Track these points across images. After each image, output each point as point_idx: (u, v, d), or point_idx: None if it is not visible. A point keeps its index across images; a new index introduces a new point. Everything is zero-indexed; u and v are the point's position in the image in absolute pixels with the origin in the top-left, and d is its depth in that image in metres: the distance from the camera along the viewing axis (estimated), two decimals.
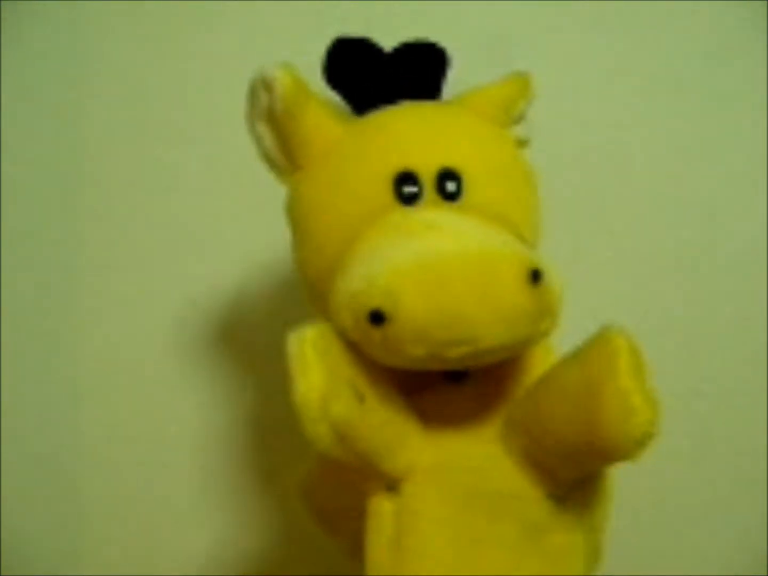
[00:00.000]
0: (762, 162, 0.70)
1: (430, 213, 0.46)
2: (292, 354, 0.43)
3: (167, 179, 0.73)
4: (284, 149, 0.50)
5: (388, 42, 0.53)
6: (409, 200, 0.47)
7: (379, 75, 0.52)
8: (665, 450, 0.66)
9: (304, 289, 0.51)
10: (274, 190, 0.52)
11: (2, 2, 0.70)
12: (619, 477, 0.65)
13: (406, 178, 0.48)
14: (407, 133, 0.50)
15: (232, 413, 0.72)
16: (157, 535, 0.71)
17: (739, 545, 0.69)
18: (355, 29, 0.53)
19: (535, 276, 0.43)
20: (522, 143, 0.55)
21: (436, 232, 0.45)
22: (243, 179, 0.65)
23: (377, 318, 0.42)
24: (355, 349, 0.45)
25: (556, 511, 0.46)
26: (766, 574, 0.65)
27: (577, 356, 0.45)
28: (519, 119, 0.55)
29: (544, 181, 0.53)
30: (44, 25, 0.73)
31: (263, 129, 0.50)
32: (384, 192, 0.48)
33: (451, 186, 0.48)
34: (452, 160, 0.49)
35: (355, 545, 0.49)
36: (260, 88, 0.50)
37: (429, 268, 0.42)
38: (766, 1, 0.68)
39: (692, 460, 0.70)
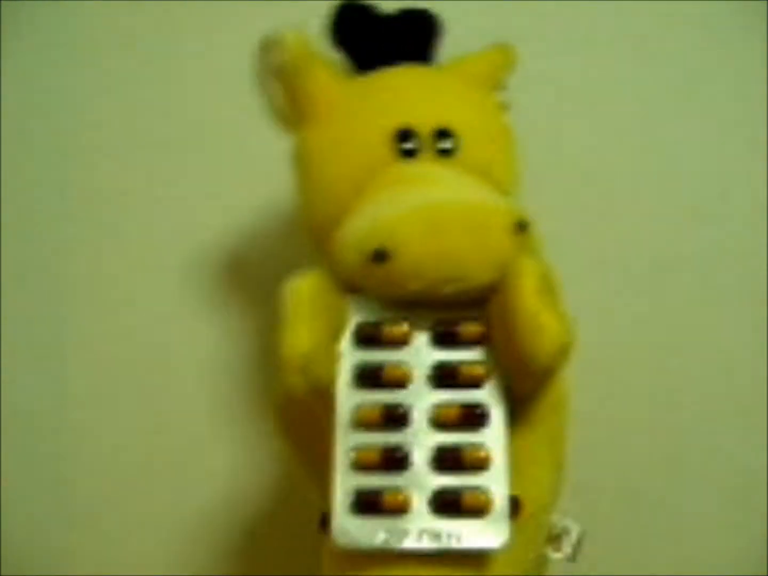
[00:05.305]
0: (762, 163, 0.71)
1: (428, 167, 0.52)
2: (286, 305, 0.48)
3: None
4: (292, 104, 0.55)
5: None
6: (408, 155, 0.53)
7: (380, 37, 0.57)
8: (666, 449, 0.71)
9: (305, 232, 0.55)
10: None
11: (2, 2, 0.71)
12: (620, 477, 0.70)
13: (405, 134, 0.53)
14: (407, 93, 0.55)
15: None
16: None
17: (740, 545, 0.70)
18: None
19: (522, 226, 0.48)
20: (504, 107, 0.60)
21: (434, 184, 0.50)
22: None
23: (380, 256, 0.47)
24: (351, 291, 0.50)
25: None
26: (766, 574, 0.67)
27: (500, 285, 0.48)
28: (502, 86, 0.60)
29: (541, 177, 0.59)
30: (44, 25, 0.74)
31: (273, 85, 0.55)
32: (385, 147, 0.53)
33: (446, 143, 0.53)
34: (447, 120, 0.54)
35: (317, 468, 0.52)
36: (270, 47, 0.54)
37: (429, 214, 0.48)
38: (766, 1, 0.70)
39: (693, 460, 0.71)
